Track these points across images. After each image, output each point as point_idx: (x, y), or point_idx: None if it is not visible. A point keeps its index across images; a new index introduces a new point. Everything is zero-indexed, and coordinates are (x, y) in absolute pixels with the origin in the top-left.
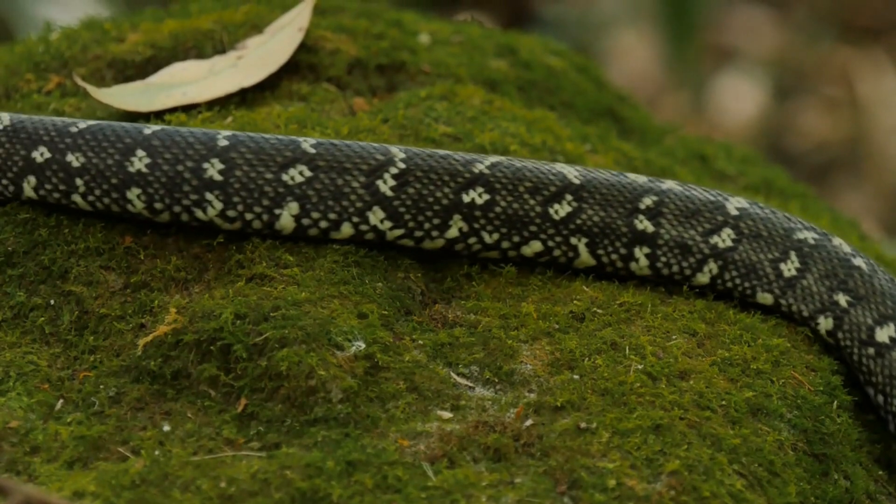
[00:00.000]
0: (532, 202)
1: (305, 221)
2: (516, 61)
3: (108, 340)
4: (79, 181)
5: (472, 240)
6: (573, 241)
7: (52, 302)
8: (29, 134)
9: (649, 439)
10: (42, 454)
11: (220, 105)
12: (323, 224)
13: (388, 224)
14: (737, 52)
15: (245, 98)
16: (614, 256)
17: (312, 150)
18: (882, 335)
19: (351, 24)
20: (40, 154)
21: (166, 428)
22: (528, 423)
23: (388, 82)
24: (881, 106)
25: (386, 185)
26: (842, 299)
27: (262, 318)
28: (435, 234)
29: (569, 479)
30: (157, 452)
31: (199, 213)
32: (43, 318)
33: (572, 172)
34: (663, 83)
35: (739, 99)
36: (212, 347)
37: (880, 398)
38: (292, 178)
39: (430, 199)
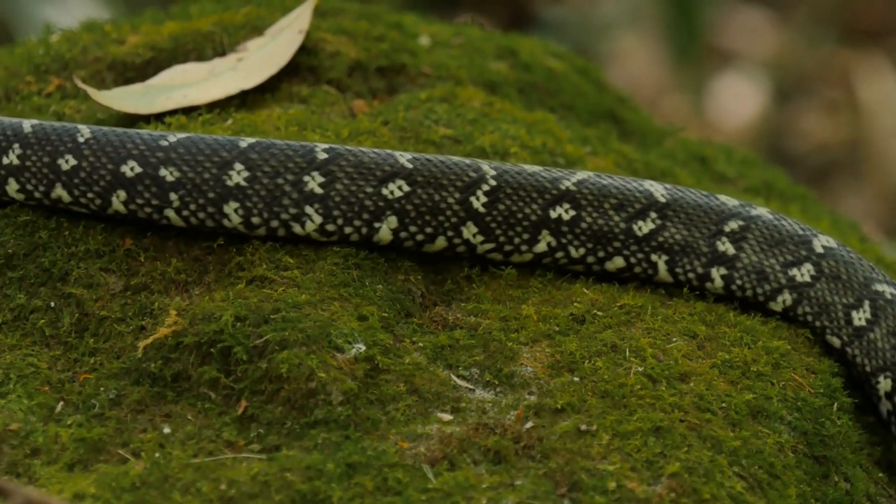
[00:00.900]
0: (616, 218)
1: (403, 234)
2: (517, 63)
3: (108, 343)
4: (173, 196)
5: (559, 254)
6: (654, 257)
7: (52, 304)
8: (115, 147)
9: (649, 441)
10: (42, 456)
11: (221, 107)
12: (419, 237)
13: (479, 238)
14: (737, 55)
15: (245, 100)
16: (691, 275)
17: (410, 166)
18: None
19: (351, 26)
20: (130, 168)
21: (166, 430)
22: (529, 425)
23: (388, 84)
24: (881, 108)
25: (478, 202)
26: None
27: (263, 320)
28: (524, 248)
29: (569, 482)
30: (157, 454)
31: (296, 228)
32: (43, 321)
33: (660, 190)
34: (663, 85)
35: (740, 101)
36: (212, 350)
37: None
38: (391, 193)
39: (520, 215)
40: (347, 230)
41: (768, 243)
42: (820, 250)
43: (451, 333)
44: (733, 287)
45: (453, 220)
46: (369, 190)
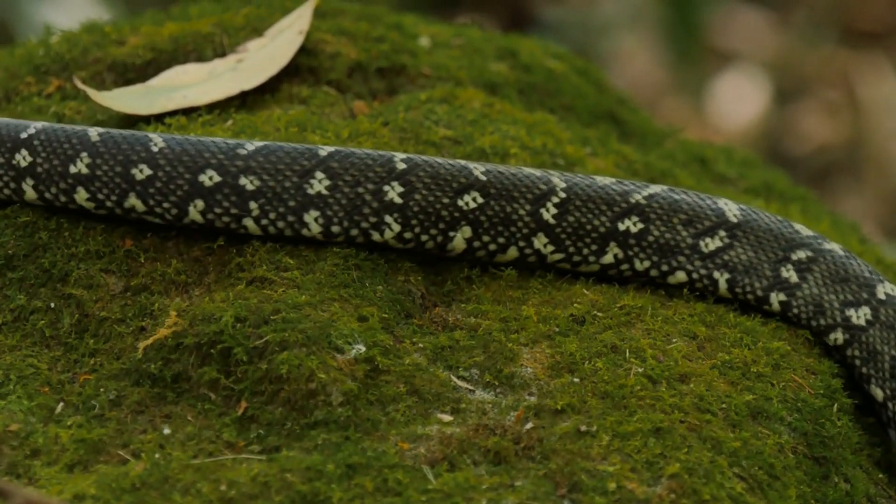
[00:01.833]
0: (684, 233)
1: (476, 244)
2: (517, 64)
3: (108, 343)
4: (253, 205)
5: (624, 266)
6: (716, 275)
7: (52, 305)
8: (192, 156)
9: (649, 442)
10: (42, 457)
11: (221, 108)
12: (492, 247)
13: (550, 248)
14: (737, 56)
15: (245, 101)
16: (750, 296)
17: (484, 178)
18: None
19: (351, 27)
20: (209, 178)
21: (166, 431)
22: (529, 426)
23: (388, 85)
24: (881, 109)
25: (549, 213)
26: None
27: (263, 321)
28: (592, 259)
29: (569, 483)
30: (157, 455)
31: (375, 236)
32: (43, 322)
33: (733, 210)
34: (664, 86)
35: (740, 102)
36: (212, 350)
37: None
38: (466, 204)
39: (589, 227)
40: (423, 238)
41: (832, 279)
42: (881, 296)
43: (452, 334)
44: (790, 314)
45: (524, 231)
46: (446, 201)
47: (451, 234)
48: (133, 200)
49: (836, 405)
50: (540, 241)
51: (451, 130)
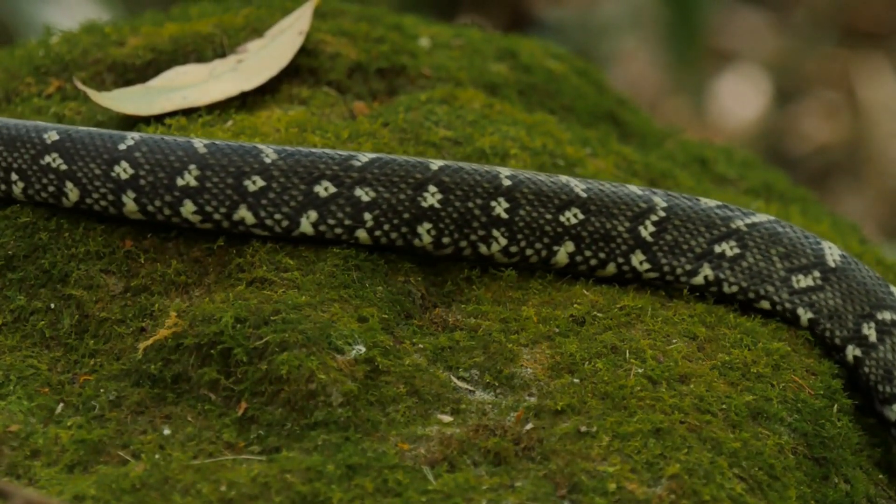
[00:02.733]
0: (779, 266)
1: (578, 259)
2: (516, 65)
3: (108, 344)
4: (368, 216)
5: (713, 288)
6: (800, 311)
7: (52, 305)
8: (307, 168)
9: (649, 443)
10: (42, 458)
11: (221, 109)
12: (593, 262)
13: (646, 266)
14: (737, 56)
15: (245, 101)
16: (828, 340)
17: (584, 195)
18: None
19: (351, 27)
20: (324, 189)
21: (167, 431)
22: (529, 426)
23: (388, 86)
24: (881, 110)
25: (646, 231)
26: None
27: (263, 321)
28: (683, 279)
29: (569, 483)
30: (157, 456)
31: (482, 248)
32: (43, 322)
33: (834, 255)
34: (663, 87)
35: (740, 103)
36: (212, 351)
37: None
38: (568, 220)
39: (686, 247)
40: (528, 252)
41: None
42: None
43: (451, 335)
44: (860, 371)
45: (623, 247)
46: (548, 216)
47: (555, 248)
48: (243, 212)
49: (836, 406)
50: (637, 259)
51: (451, 131)
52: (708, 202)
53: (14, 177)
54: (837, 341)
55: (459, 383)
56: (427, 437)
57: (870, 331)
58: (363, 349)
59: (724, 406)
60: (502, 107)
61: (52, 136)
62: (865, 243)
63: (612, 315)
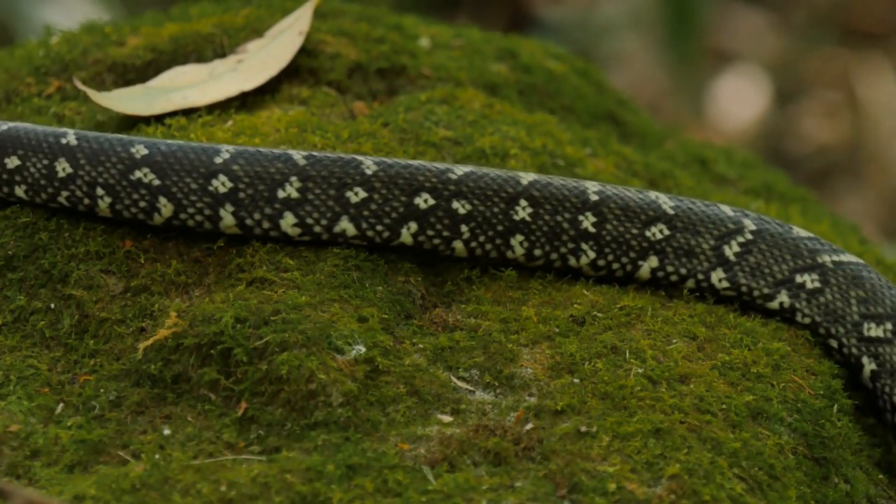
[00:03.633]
0: (855, 310)
1: (660, 274)
2: (516, 65)
3: (108, 344)
4: (464, 228)
5: (787, 314)
6: (865, 359)
7: (52, 306)
8: (407, 180)
9: (649, 443)
10: (42, 458)
11: (221, 109)
12: (673, 278)
13: (725, 284)
14: (737, 56)
15: (245, 102)
16: (886, 397)
17: (672, 212)
18: None
19: (351, 27)
20: (424, 201)
21: (167, 432)
22: (529, 426)
23: (388, 86)
24: (881, 110)
25: (731, 251)
26: None
27: (263, 321)
28: (759, 301)
29: (569, 483)
30: (157, 456)
31: (571, 261)
32: (43, 322)
33: None
34: (663, 87)
35: (740, 103)
36: (212, 351)
37: None
38: (654, 235)
39: (767, 271)
40: (615, 266)
41: None
42: None
43: (451, 335)
44: None
45: (706, 264)
46: (635, 231)
47: (640, 262)
48: (345, 224)
49: (836, 406)
50: (717, 276)
51: (451, 131)
52: (800, 232)
53: (100, 192)
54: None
55: (459, 383)
56: (427, 437)
57: None
58: (363, 349)
59: (724, 406)
60: (502, 107)
61: (140, 150)
62: (865, 243)
63: (612, 315)
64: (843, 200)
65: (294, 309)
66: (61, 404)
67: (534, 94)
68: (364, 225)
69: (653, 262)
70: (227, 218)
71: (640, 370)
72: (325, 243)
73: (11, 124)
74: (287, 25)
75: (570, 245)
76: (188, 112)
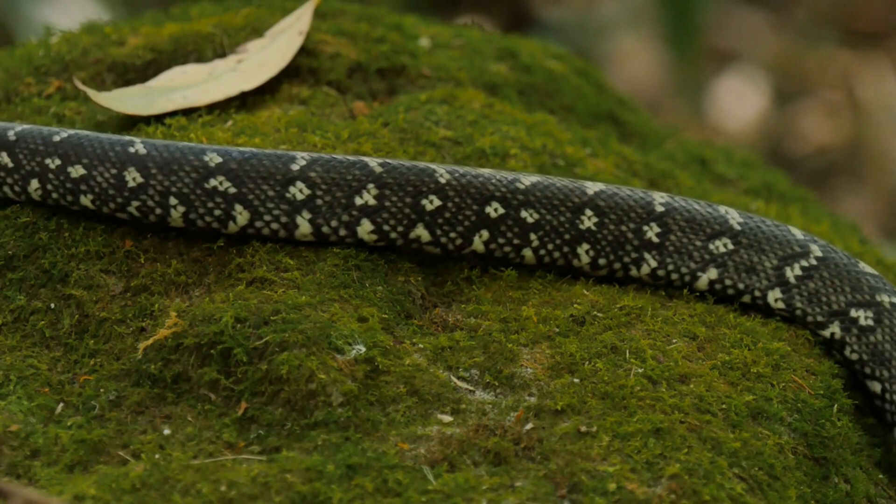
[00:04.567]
0: None
1: (717, 287)
2: (516, 65)
3: (108, 344)
4: (533, 236)
5: (836, 346)
6: None
7: (52, 305)
8: (478, 188)
9: (650, 443)
10: (42, 458)
11: (221, 109)
12: (730, 292)
13: (780, 305)
14: (737, 56)
15: (245, 102)
16: None
17: (738, 228)
18: None
19: (351, 27)
20: (494, 210)
21: (167, 431)
22: (529, 426)
23: (388, 86)
24: (881, 110)
25: (792, 273)
26: None
27: (263, 321)
28: (812, 328)
29: (569, 483)
30: (157, 456)
31: (633, 271)
32: (43, 322)
33: None
34: (663, 87)
35: (740, 103)
36: (212, 351)
37: None
38: (717, 248)
39: (824, 300)
40: (673, 277)
41: None
42: None
43: (452, 335)
44: None
45: (765, 282)
46: (698, 244)
47: (699, 274)
48: (420, 231)
49: (836, 406)
50: (774, 295)
51: (451, 131)
52: (865, 267)
53: (173, 201)
54: None
55: (459, 383)
56: (427, 437)
57: None
58: (363, 349)
59: (724, 406)
60: (502, 107)
61: (214, 159)
62: (865, 243)
63: (612, 315)
64: (843, 200)
65: (294, 309)
66: (61, 404)
67: (534, 93)
68: (438, 232)
69: (712, 274)
70: (303, 225)
71: (640, 370)
72: (397, 248)
73: (72, 131)
74: (287, 25)
75: (634, 255)
76: (188, 112)
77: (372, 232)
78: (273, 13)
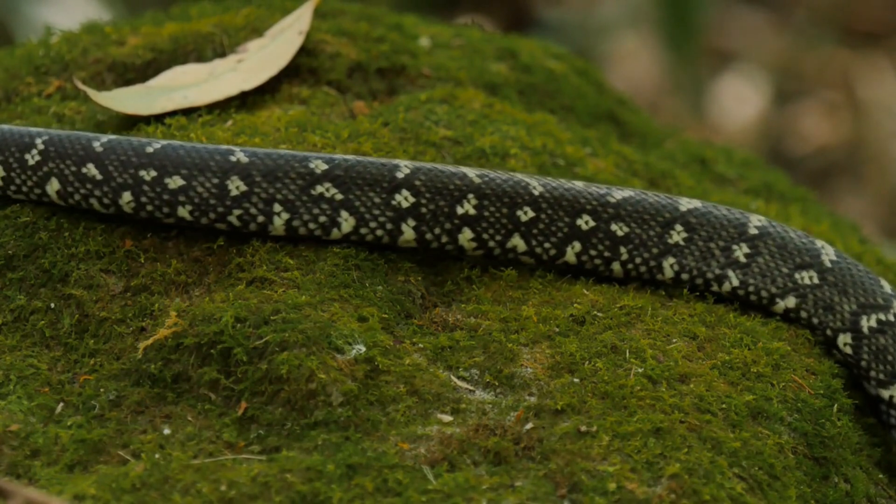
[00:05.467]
0: None
1: (791, 315)
2: (516, 65)
3: (108, 344)
4: (622, 249)
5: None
6: None
7: (52, 305)
8: (570, 202)
9: (649, 443)
10: (42, 457)
11: (221, 108)
12: (802, 322)
13: (847, 350)
14: (737, 56)
15: (245, 101)
16: None
17: (829, 265)
18: None
19: (351, 27)
20: (585, 222)
21: (167, 431)
22: (529, 426)
23: (388, 86)
24: (881, 109)
25: (866, 323)
26: None
27: (263, 321)
28: (873, 383)
29: (569, 483)
30: (157, 456)
31: (714, 287)
32: (43, 322)
33: None
34: (663, 87)
35: (740, 102)
36: (212, 351)
37: None
38: (803, 279)
39: (891, 358)
40: (752, 298)
41: None
42: None
43: (452, 335)
44: None
45: (838, 324)
46: (785, 270)
47: (778, 300)
48: (516, 241)
49: (836, 405)
50: (843, 340)
51: (451, 131)
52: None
53: (278, 208)
54: None
55: (459, 383)
56: (427, 437)
57: None
58: (363, 349)
59: (724, 406)
60: (502, 106)
61: (320, 166)
62: (865, 243)
63: (612, 315)
64: (843, 200)
65: (294, 308)
66: (61, 404)
67: (534, 93)
68: (533, 242)
69: (790, 302)
70: (407, 232)
71: (640, 370)
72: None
73: (165, 142)
74: (287, 25)
75: (718, 272)
76: (188, 112)
77: (472, 240)
78: (273, 13)
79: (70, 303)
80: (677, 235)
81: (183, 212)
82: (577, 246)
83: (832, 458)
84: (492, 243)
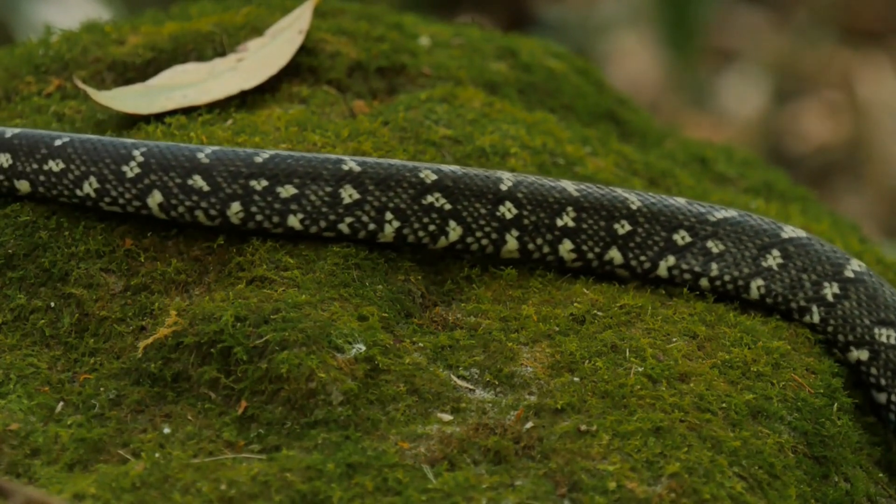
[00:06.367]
0: None
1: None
2: (516, 64)
3: (108, 343)
4: (713, 266)
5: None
6: None
7: (52, 304)
8: (668, 217)
9: (649, 442)
10: (42, 456)
11: (220, 108)
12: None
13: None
14: (737, 55)
15: (245, 100)
16: None
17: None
18: None
19: (351, 26)
20: (681, 237)
21: (166, 430)
22: (529, 425)
23: (388, 85)
24: (882, 109)
25: (890, 339)
26: None
27: (263, 320)
28: (846, 347)
29: (569, 482)
30: (157, 455)
31: (795, 315)
32: (43, 321)
33: None
34: (663, 86)
35: (740, 102)
36: (212, 350)
37: None
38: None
39: (855, 324)
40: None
41: None
42: None
43: (451, 334)
44: None
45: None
46: (867, 322)
47: (853, 349)
48: (613, 253)
49: (836, 405)
50: (812, 318)
51: (451, 130)
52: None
53: (389, 216)
54: None
55: (459, 382)
56: (427, 436)
57: None
58: (363, 348)
59: (724, 405)
60: (502, 105)
61: (430, 176)
62: (865, 243)
63: (612, 314)
64: (843, 200)
65: (294, 307)
66: (61, 403)
67: (534, 92)
68: (630, 255)
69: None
70: (511, 242)
71: (640, 369)
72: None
73: (273, 151)
74: (287, 24)
75: (803, 303)
76: (188, 111)
77: (571, 251)
78: (273, 12)
79: (70, 302)
80: (773, 260)
81: (293, 220)
82: (672, 260)
83: (832, 457)
84: (590, 255)
